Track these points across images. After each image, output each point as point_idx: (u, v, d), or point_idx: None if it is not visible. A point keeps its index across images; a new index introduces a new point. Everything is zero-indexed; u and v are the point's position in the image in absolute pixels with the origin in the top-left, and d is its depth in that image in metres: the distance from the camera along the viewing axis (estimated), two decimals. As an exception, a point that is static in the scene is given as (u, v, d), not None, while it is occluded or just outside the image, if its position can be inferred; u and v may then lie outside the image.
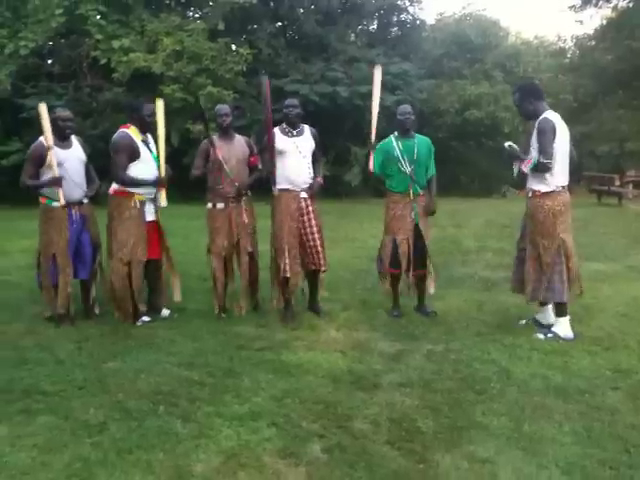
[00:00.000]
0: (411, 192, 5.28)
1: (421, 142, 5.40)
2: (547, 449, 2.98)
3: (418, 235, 5.32)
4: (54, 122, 4.99)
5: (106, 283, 5.31)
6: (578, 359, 4.22)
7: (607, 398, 3.58)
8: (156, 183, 5.14)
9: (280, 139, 5.20)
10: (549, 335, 4.72)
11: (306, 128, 5.37)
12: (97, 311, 5.40)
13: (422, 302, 5.51)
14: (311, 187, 5.27)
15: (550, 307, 4.97)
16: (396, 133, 5.42)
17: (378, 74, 5.46)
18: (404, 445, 3.03)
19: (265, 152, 5.26)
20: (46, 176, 4.97)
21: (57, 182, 4.90)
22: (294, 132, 5.26)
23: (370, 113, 5.42)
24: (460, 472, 2.78)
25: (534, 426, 3.22)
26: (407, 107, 5.49)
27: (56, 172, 4.89)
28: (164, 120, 5.17)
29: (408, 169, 5.27)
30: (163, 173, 5.16)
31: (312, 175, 5.31)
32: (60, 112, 5.11)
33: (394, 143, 5.35)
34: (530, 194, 4.87)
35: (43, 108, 4.90)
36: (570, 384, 3.77)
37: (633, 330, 4.86)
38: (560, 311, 4.80)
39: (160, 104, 5.16)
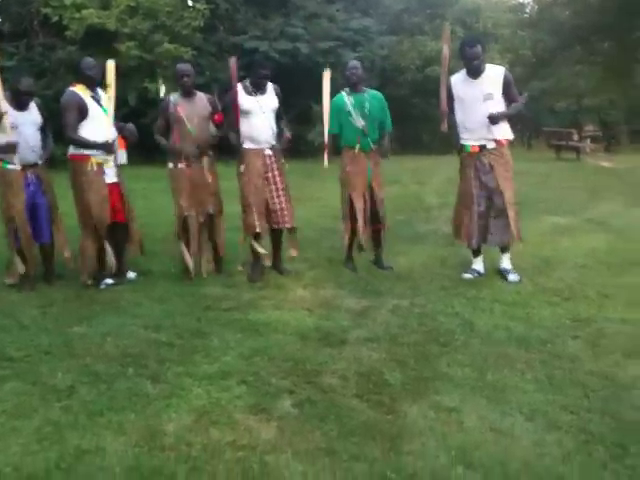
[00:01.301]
0: (362, 146, 5.34)
1: (373, 96, 5.43)
2: (510, 397, 3.08)
3: (372, 191, 5.43)
4: (16, 93, 4.89)
5: (62, 245, 5.26)
6: (539, 310, 4.34)
7: (567, 347, 3.70)
8: (105, 148, 4.98)
9: (243, 98, 5.13)
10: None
11: (269, 86, 5.28)
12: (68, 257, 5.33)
13: (379, 256, 5.62)
14: (280, 144, 5.26)
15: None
16: (347, 89, 5.42)
17: (327, 77, 5.46)
18: (372, 397, 3.09)
19: (229, 116, 5.19)
20: (1, 140, 4.83)
21: (12, 149, 4.80)
22: (257, 91, 5.18)
23: (322, 116, 5.46)
24: (427, 421, 2.86)
25: (497, 375, 3.32)
26: (355, 62, 5.52)
27: (11, 137, 4.75)
28: (114, 82, 5.03)
29: (360, 124, 5.30)
30: (110, 140, 5.03)
31: (275, 132, 5.26)
32: (23, 85, 4.92)
33: (345, 98, 5.37)
34: (494, 144, 4.98)
35: None
36: (532, 334, 3.88)
37: (592, 281, 5.00)
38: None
39: (110, 65, 5.01)
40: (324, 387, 3.21)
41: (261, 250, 5.27)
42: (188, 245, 5.31)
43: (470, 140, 5.01)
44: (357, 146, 5.33)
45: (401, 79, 22.01)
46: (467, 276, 5.16)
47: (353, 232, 5.48)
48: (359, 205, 5.36)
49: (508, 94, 4.93)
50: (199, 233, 5.35)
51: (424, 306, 4.48)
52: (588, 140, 20.70)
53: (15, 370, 3.48)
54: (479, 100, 4.87)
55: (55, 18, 15.54)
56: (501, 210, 4.99)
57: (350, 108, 5.32)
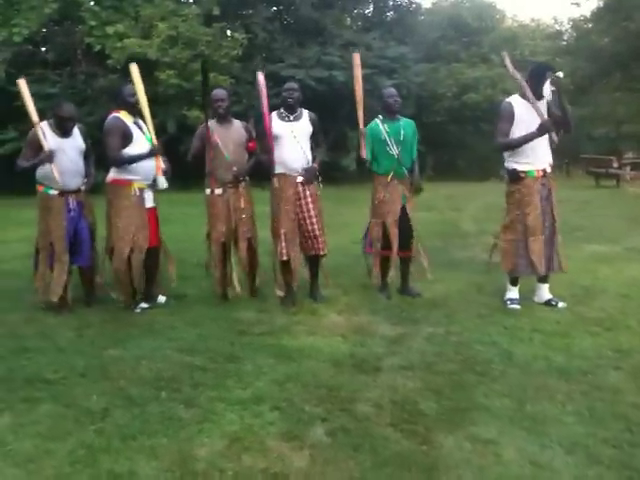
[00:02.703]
0: (397, 174, 5.33)
1: (406, 124, 5.46)
2: (550, 429, 2.99)
3: (404, 217, 5.39)
4: (57, 119, 4.98)
5: (103, 270, 5.31)
6: (580, 340, 4.23)
7: (609, 378, 3.58)
8: (151, 154, 5.05)
9: (277, 124, 5.19)
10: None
11: (304, 113, 5.33)
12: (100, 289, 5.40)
13: (406, 283, 5.57)
14: (307, 171, 5.20)
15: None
16: (380, 116, 5.43)
17: (357, 60, 5.35)
18: (407, 427, 3.03)
19: (262, 140, 5.23)
20: (42, 168, 4.94)
21: (49, 158, 4.85)
22: (291, 117, 5.23)
23: (355, 100, 5.30)
24: (463, 453, 2.78)
25: (536, 406, 3.23)
26: (393, 90, 5.52)
27: (46, 147, 4.84)
28: (142, 84, 5.08)
29: (395, 151, 5.30)
30: (154, 140, 5.09)
31: (309, 160, 5.26)
32: (64, 111, 4.99)
33: (380, 126, 5.37)
34: (549, 169, 4.95)
35: (23, 84, 4.89)
36: (572, 365, 3.78)
37: (634, 310, 4.86)
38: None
39: (134, 68, 5.07)
40: (358, 415, 3.16)
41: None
42: (223, 270, 5.33)
43: (534, 164, 4.90)
44: (391, 174, 5.32)
45: (437, 106, 22.06)
46: (516, 307, 5.01)
47: (386, 259, 5.44)
48: (394, 231, 5.33)
49: (552, 116, 4.89)
50: (237, 257, 5.37)
51: (460, 334, 4.40)
52: (628, 167, 20.33)
53: (50, 392, 3.50)
54: (538, 123, 4.78)
55: (98, 47, 15.99)
56: (552, 237, 4.96)
57: (386, 136, 5.31)
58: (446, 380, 3.59)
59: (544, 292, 5.14)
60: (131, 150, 5.02)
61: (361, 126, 5.30)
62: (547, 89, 4.75)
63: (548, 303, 5.07)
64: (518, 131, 4.86)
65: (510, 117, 4.90)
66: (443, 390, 3.45)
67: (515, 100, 4.92)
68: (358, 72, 5.30)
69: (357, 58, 5.33)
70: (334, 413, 3.18)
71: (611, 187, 17.19)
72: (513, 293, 5.14)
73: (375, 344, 4.24)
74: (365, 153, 5.30)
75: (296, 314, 4.98)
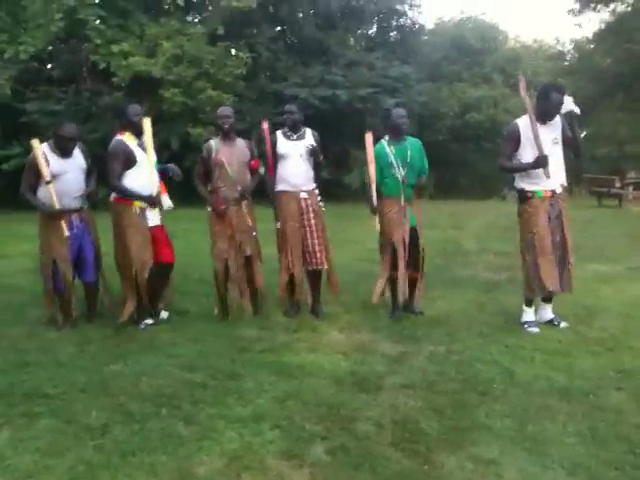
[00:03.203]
0: (403, 196, 5.28)
1: (413, 144, 5.39)
2: (551, 450, 2.97)
3: (414, 237, 5.34)
4: (58, 139, 4.96)
5: (108, 287, 5.34)
6: (581, 360, 4.21)
7: (611, 399, 3.57)
8: (149, 200, 5.05)
9: (281, 142, 5.35)
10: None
11: (308, 131, 5.45)
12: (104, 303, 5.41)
13: (411, 301, 5.53)
14: (311, 195, 5.36)
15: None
16: (387, 137, 5.38)
17: (370, 139, 5.33)
18: (408, 446, 3.02)
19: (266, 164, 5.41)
20: (43, 191, 4.94)
21: (56, 215, 4.90)
22: (295, 136, 5.37)
23: (368, 177, 5.32)
24: (465, 473, 2.77)
25: (538, 427, 3.21)
26: (401, 110, 5.46)
27: (47, 175, 4.84)
28: (151, 139, 5.11)
29: (402, 174, 5.26)
30: (155, 191, 5.10)
31: (312, 176, 5.40)
32: (65, 131, 4.95)
33: (387, 149, 5.30)
34: (559, 190, 4.94)
35: (36, 145, 4.89)
36: (574, 385, 3.76)
37: (636, 331, 4.84)
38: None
39: (147, 123, 5.04)
40: (358, 434, 3.15)
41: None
42: (224, 287, 5.34)
43: (543, 185, 4.86)
44: (400, 196, 5.27)
45: (439, 125, 22.17)
46: (535, 330, 4.91)
47: (393, 280, 5.38)
48: (401, 252, 5.26)
49: (564, 138, 4.92)
50: (240, 276, 5.38)
51: (462, 353, 4.39)
52: (630, 187, 20.37)
53: (50, 407, 3.49)
54: (549, 144, 4.81)
55: (103, 65, 16.11)
56: (563, 257, 4.93)
57: (392, 159, 5.25)
58: (447, 399, 3.58)
59: (547, 312, 5.12)
60: (135, 172, 5.03)
61: (374, 200, 5.27)
62: (566, 107, 4.80)
63: (550, 323, 5.05)
64: (525, 152, 4.86)
65: (515, 139, 4.90)
66: (444, 409, 3.44)
67: (523, 121, 4.89)
68: (371, 151, 5.31)
69: (369, 137, 5.34)
70: (334, 432, 3.17)
71: (613, 207, 17.21)
72: (529, 315, 5.04)
73: (376, 362, 4.23)
74: (378, 226, 5.32)
75: (297, 331, 4.97)
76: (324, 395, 3.65)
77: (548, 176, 4.78)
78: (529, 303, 5.06)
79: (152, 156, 5.10)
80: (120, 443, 3.05)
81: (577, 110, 4.82)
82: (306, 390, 3.72)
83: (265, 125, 5.57)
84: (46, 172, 4.85)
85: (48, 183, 4.85)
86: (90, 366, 4.17)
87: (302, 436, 3.12)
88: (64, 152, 4.99)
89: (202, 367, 4.12)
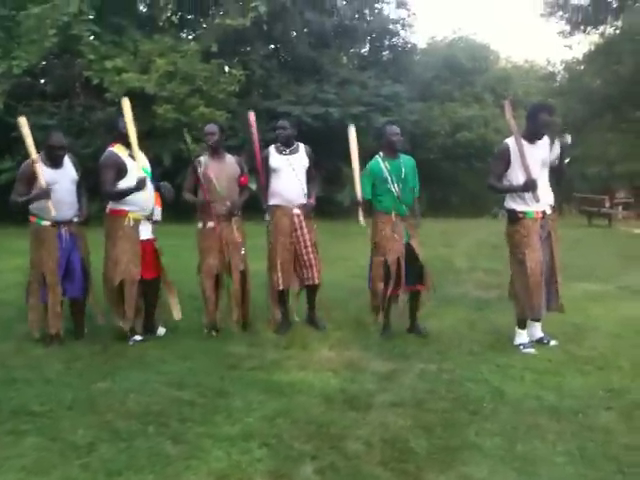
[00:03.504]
0: (398, 212, 5.28)
1: (406, 161, 5.41)
2: (541, 469, 2.96)
3: (410, 253, 5.29)
4: (47, 149, 5.00)
5: (94, 304, 5.31)
6: (571, 379, 4.21)
7: (600, 418, 3.57)
8: (138, 187, 4.99)
9: (274, 157, 5.39)
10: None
11: (301, 146, 5.50)
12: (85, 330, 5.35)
13: (415, 321, 5.45)
14: (304, 207, 5.38)
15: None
16: (381, 153, 5.38)
17: (352, 133, 5.43)
18: (397, 466, 3.00)
19: (257, 175, 5.42)
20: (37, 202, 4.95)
21: (46, 194, 4.86)
22: (287, 150, 5.41)
23: (352, 171, 5.40)
24: (454, 493, 2.75)
25: (528, 446, 3.20)
26: (395, 127, 5.46)
27: (43, 184, 4.85)
28: (132, 118, 5.08)
29: (396, 189, 5.26)
30: (149, 200, 5.13)
31: (306, 192, 5.42)
32: (54, 140, 5.01)
33: (381, 164, 5.31)
34: (549, 211, 4.95)
35: (23, 121, 4.93)
36: (563, 404, 3.76)
37: (625, 350, 4.85)
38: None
39: (126, 103, 5.05)
40: (348, 453, 3.13)
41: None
42: (213, 303, 5.32)
43: (533, 206, 4.85)
44: (393, 212, 5.26)
45: (430, 143, 22.29)
46: (531, 351, 4.88)
47: (389, 298, 5.31)
48: (393, 269, 5.22)
49: (551, 163, 4.95)
50: (231, 290, 5.38)
51: (452, 371, 4.38)
52: (620, 207, 20.51)
53: (36, 425, 3.46)
54: (538, 165, 4.81)
55: (96, 81, 16.11)
56: (551, 277, 4.93)
57: (387, 174, 5.26)
58: (437, 418, 3.57)
59: (536, 330, 5.12)
60: (126, 182, 5.03)
61: (358, 195, 5.32)
62: (556, 149, 4.86)
63: (540, 341, 5.05)
64: (514, 173, 4.86)
65: (505, 159, 4.90)
66: (434, 428, 3.43)
67: (513, 141, 4.87)
68: (354, 145, 5.38)
69: (352, 131, 5.43)
70: (324, 450, 3.15)
71: (603, 226, 17.30)
72: (523, 337, 5.01)
73: (366, 380, 4.21)
74: (363, 220, 5.35)
75: (287, 348, 4.95)
76: (314, 413, 3.63)
77: (537, 200, 4.79)
78: (522, 325, 5.03)
79: (135, 149, 5.08)
80: (106, 462, 3.02)
81: (568, 139, 4.87)
82: (296, 408, 3.70)
83: (252, 116, 5.55)
84: (43, 181, 4.85)
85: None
86: (77, 383, 4.14)
87: (291, 455, 3.10)
88: (54, 162, 5.02)
89: (191, 384, 4.09)
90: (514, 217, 4.93)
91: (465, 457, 3.09)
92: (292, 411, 3.65)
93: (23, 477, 2.89)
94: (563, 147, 4.89)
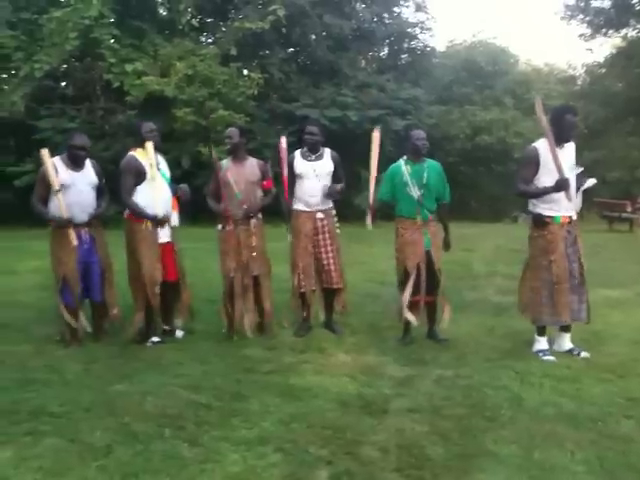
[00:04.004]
0: (419, 217, 5.20)
1: (431, 167, 5.29)
2: (559, 478, 2.93)
3: (429, 261, 5.24)
4: (69, 149, 5.08)
5: (112, 303, 5.35)
6: (590, 386, 4.16)
7: (620, 427, 3.51)
8: (154, 220, 5.08)
9: (299, 163, 5.44)
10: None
11: (326, 152, 5.52)
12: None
13: (432, 327, 5.41)
14: (330, 189, 5.41)
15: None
16: (405, 157, 5.30)
17: (377, 137, 5.43)
18: (413, 473, 2.98)
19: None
20: (54, 202, 5.01)
21: (65, 224, 4.95)
22: (313, 157, 5.45)
23: (368, 174, 5.45)
24: (470, 501, 2.73)
25: (545, 454, 3.17)
26: (422, 132, 5.34)
27: (56, 185, 4.92)
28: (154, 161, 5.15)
29: (416, 194, 5.18)
30: (164, 208, 5.17)
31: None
32: (76, 140, 5.10)
33: (403, 168, 5.24)
34: (574, 217, 4.86)
35: (45, 154, 5.00)
36: (582, 412, 3.71)
37: (646, 358, 4.79)
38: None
39: (149, 146, 5.10)
40: (363, 459, 3.12)
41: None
42: (233, 306, 5.33)
43: (561, 210, 4.78)
44: (417, 217, 5.19)
45: (449, 147, 22.21)
46: (551, 358, 4.78)
47: (410, 305, 5.22)
48: (414, 279, 5.16)
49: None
50: (245, 294, 5.39)
51: (470, 377, 4.34)
52: (641, 212, 20.23)
53: (55, 426, 3.49)
54: (566, 168, 4.71)
55: (117, 84, 16.26)
56: (580, 286, 4.84)
57: (407, 178, 5.17)
58: (454, 424, 3.54)
59: (565, 341, 4.97)
60: (145, 187, 5.09)
61: (371, 199, 5.38)
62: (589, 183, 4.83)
63: (569, 352, 4.89)
64: (543, 177, 4.75)
65: (534, 162, 4.78)
66: (451, 435, 3.40)
67: (542, 145, 4.78)
68: (376, 148, 5.40)
69: (377, 135, 5.45)
70: (339, 456, 3.14)
71: (624, 231, 17.10)
72: (542, 344, 4.91)
73: (383, 385, 4.20)
74: (371, 223, 5.43)
75: (304, 352, 4.95)
76: (330, 418, 3.62)
77: (570, 199, 4.71)
78: (541, 332, 4.94)
79: (157, 174, 5.14)
80: (123, 464, 3.04)
81: (592, 182, 4.86)
82: (312, 412, 3.69)
83: (283, 143, 5.63)
84: (54, 180, 4.93)
85: (57, 192, 4.93)
86: (96, 385, 4.17)
87: (306, 460, 3.09)
88: (75, 162, 5.09)
89: (207, 387, 4.10)
90: (540, 222, 4.83)
91: (482, 464, 3.06)
92: (308, 415, 3.64)
93: (40, 478, 2.91)
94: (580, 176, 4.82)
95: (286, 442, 3.28)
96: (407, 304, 5.18)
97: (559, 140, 4.75)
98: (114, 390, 4.08)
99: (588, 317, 4.93)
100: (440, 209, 5.38)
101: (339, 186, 5.49)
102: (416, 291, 5.19)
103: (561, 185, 4.63)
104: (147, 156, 5.08)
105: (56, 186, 4.93)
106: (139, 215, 5.08)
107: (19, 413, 3.66)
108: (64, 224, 4.96)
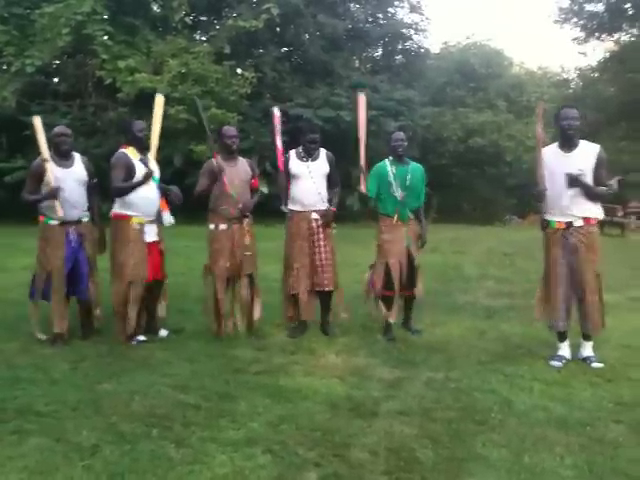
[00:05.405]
0: (400, 217, 5.39)
1: (414, 169, 5.51)
2: (548, 483, 2.92)
3: (409, 257, 5.44)
4: (50, 140, 5.05)
5: (95, 302, 5.32)
6: (580, 391, 4.15)
7: (609, 431, 3.51)
8: (145, 179, 5.06)
9: (294, 163, 5.41)
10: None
11: (322, 153, 5.51)
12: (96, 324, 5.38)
13: (409, 319, 5.67)
14: (324, 214, 5.40)
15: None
16: (391, 158, 5.48)
17: (362, 100, 5.50)
18: (402, 476, 2.96)
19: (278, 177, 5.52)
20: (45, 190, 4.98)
21: (54, 194, 4.90)
22: (309, 157, 5.42)
23: (357, 138, 5.45)
24: (459, 505, 2.71)
25: (535, 458, 3.15)
26: (400, 134, 5.55)
27: (53, 182, 4.89)
28: (160, 116, 5.28)
29: (399, 194, 5.35)
30: (155, 204, 5.16)
31: (324, 197, 5.45)
32: (56, 129, 5.12)
33: (388, 168, 5.43)
34: (581, 222, 4.72)
35: (37, 121, 4.99)
36: (572, 416, 3.70)
37: (636, 362, 4.79)
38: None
39: (159, 100, 5.23)
40: (352, 462, 3.09)
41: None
42: (224, 306, 5.31)
43: (556, 216, 4.76)
44: (395, 216, 5.38)
45: (442, 149, 22.27)
46: (556, 364, 4.72)
47: (388, 300, 5.42)
48: (395, 273, 5.36)
49: (597, 174, 4.68)
50: (238, 293, 5.38)
51: (459, 381, 4.33)
52: (633, 216, 20.35)
53: (41, 425, 3.44)
54: (564, 175, 4.66)
55: (109, 80, 16.20)
56: (582, 294, 4.75)
57: (391, 179, 5.37)
58: (444, 428, 3.52)
59: (585, 349, 4.86)
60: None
61: (362, 162, 5.39)
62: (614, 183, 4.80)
63: (584, 360, 4.81)
64: (547, 180, 4.73)
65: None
66: (440, 438, 3.38)
67: (549, 150, 4.80)
68: (362, 111, 5.45)
69: (362, 98, 5.50)
70: (328, 458, 3.11)
71: (615, 235, 17.18)
72: (558, 349, 4.87)
73: (372, 387, 4.18)
74: (365, 188, 5.39)
75: (294, 353, 4.93)
76: (319, 420, 3.60)
77: (542, 210, 4.82)
78: (560, 338, 4.88)
79: (154, 144, 5.19)
80: (110, 464, 3.00)
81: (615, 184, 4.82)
82: (301, 414, 3.67)
83: (277, 113, 5.61)
84: (53, 180, 4.90)
85: (45, 161, 4.92)
86: (83, 384, 4.13)
87: (295, 462, 3.07)
88: (61, 154, 5.06)
89: (196, 388, 4.07)
90: (542, 224, 4.93)
91: (471, 468, 3.05)
92: (297, 417, 3.62)
93: (25, 477, 2.87)
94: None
95: (275, 444, 3.25)
96: (380, 296, 5.42)
97: (564, 145, 4.75)
98: (101, 389, 4.04)
99: (595, 330, 4.83)
100: (417, 212, 5.57)
101: (332, 209, 5.49)
102: (391, 287, 5.36)
103: (535, 195, 4.76)
104: (155, 112, 5.18)
105: (45, 154, 4.92)
106: (132, 187, 5.02)
107: (5, 411, 3.62)
108: (54, 193, 4.89)
